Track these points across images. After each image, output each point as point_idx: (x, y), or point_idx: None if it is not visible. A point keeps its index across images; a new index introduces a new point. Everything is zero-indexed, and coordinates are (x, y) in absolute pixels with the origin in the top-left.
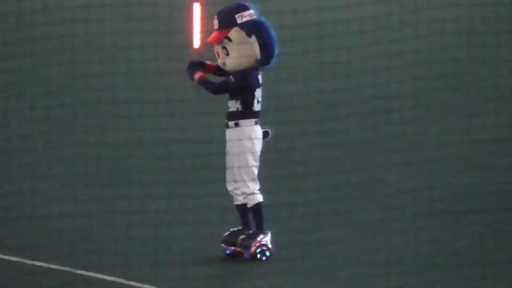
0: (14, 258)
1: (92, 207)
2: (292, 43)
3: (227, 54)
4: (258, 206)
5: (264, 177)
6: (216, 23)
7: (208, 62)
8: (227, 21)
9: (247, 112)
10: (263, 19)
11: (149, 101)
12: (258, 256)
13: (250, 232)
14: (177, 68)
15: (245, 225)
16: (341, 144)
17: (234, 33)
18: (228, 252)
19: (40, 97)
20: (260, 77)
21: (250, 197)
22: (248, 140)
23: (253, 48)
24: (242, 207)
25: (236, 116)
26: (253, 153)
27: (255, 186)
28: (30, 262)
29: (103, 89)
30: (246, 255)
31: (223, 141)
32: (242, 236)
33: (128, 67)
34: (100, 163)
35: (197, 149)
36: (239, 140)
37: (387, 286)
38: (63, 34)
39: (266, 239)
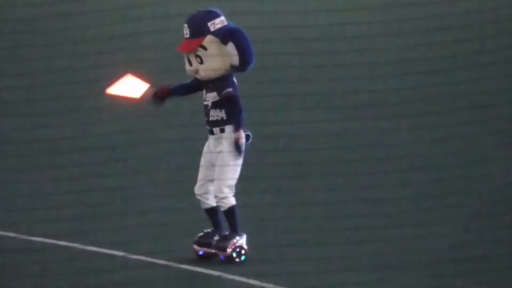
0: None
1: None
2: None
3: (201, 63)
4: (232, 209)
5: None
6: (187, 31)
7: (164, 89)
8: (199, 29)
9: (231, 119)
10: (235, 25)
11: None
12: (235, 257)
13: (226, 233)
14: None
15: (217, 227)
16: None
17: (208, 41)
18: (200, 253)
19: None
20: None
21: (224, 200)
22: (234, 147)
23: (229, 55)
24: (212, 210)
25: (221, 123)
26: (240, 159)
27: (229, 191)
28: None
29: None
30: (222, 256)
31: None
32: (217, 238)
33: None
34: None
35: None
36: (226, 147)
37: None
38: None
39: (241, 241)
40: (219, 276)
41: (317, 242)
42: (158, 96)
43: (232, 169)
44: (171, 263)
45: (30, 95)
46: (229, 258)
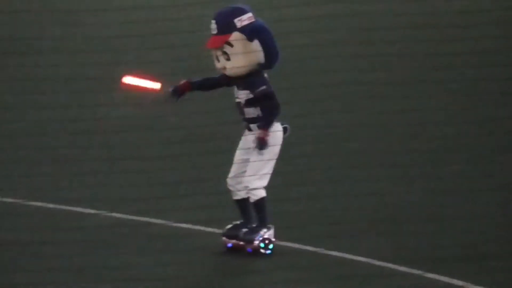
0: None
1: None
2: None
3: (228, 59)
4: (261, 201)
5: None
6: (214, 27)
7: (184, 84)
8: (226, 25)
9: (270, 116)
10: (262, 22)
11: None
12: (262, 250)
13: (253, 226)
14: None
15: (247, 219)
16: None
17: (235, 37)
18: (229, 245)
19: None
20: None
21: (253, 192)
22: (276, 144)
23: (256, 52)
24: (242, 202)
25: (259, 120)
26: (275, 153)
27: (259, 183)
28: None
29: None
30: (249, 249)
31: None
32: (245, 230)
33: None
34: None
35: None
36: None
37: None
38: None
39: (269, 233)
40: (366, 262)
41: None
42: (178, 91)
43: (265, 163)
44: (318, 249)
45: None
46: (256, 250)
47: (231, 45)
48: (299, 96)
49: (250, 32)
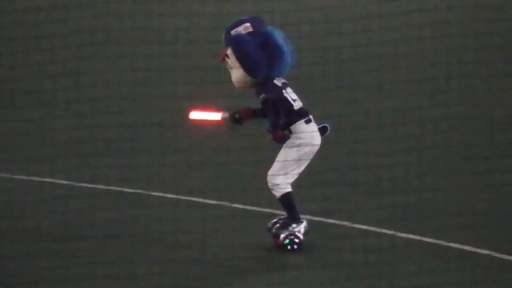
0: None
1: None
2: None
3: (230, 74)
4: (285, 196)
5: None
6: (223, 40)
7: (246, 110)
8: (226, 38)
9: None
10: (269, 30)
11: None
12: (288, 246)
13: (285, 221)
14: None
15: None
16: None
17: (229, 51)
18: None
19: None
20: (278, 81)
21: (276, 188)
22: (295, 139)
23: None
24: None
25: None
26: (296, 149)
27: (283, 180)
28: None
29: None
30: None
31: None
32: (277, 225)
33: None
34: None
35: None
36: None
37: None
38: None
39: (298, 228)
40: (488, 255)
41: None
42: (240, 117)
43: (293, 162)
44: (439, 241)
45: None
46: (281, 246)
47: (229, 58)
48: (425, 88)
49: (229, 44)
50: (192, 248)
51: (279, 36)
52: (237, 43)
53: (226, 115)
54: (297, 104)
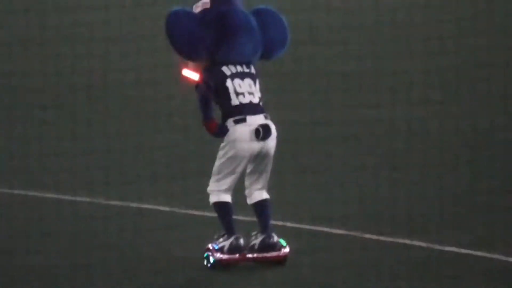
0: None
1: None
2: None
3: None
4: (215, 205)
5: None
6: None
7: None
8: None
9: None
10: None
11: None
12: (204, 261)
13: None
14: None
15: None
16: None
17: None
18: None
19: None
20: (226, 69)
21: (209, 196)
22: (223, 141)
23: None
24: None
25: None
26: (222, 153)
27: (215, 187)
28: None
29: None
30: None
31: None
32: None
33: None
34: None
35: None
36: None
37: None
38: None
39: (223, 244)
40: None
41: None
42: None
43: (218, 166)
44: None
45: None
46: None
47: None
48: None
49: None
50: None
51: (241, 15)
52: (166, 19)
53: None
54: (240, 100)
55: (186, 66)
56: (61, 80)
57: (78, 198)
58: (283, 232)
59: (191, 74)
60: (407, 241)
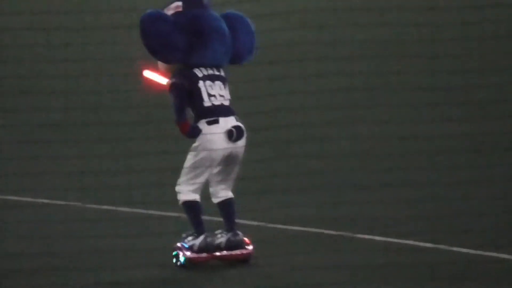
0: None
1: None
2: None
3: None
4: (184, 204)
5: None
6: None
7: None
8: None
9: (196, 112)
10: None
11: None
12: (174, 259)
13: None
14: None
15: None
16: None
17: None
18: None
19: None
20: (198, 71)
21: (178, 194)
22: (195, 142)
23: None
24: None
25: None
26: (194, 154)
27: (184, 187)
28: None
29: None
30: None
31: None
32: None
33: None
34: None
35: None
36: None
37: None
38: None
39: (192, 243)
40: None
41: None
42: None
43: (190, 169)
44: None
45: None
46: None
47: None
48: None
49: None
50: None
51: (213, 19)
52: (140, 22)
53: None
54: (213, 102)
55: (149, 68)
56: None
57: (165, 213)
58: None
59: (154, 76)
60: None
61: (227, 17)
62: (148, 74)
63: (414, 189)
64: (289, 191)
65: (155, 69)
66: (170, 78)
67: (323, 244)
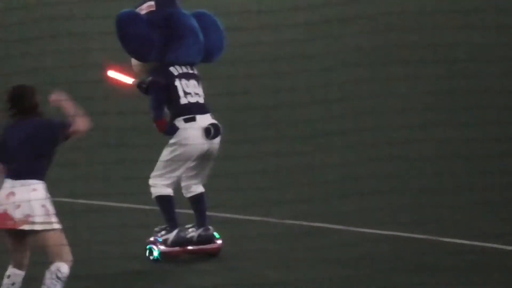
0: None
1: None
2: None
3: None
4: (158, 199)
5: None
6: None
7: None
8: None
9: (172, 110)
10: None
11: None
12: (147, 253)
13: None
14: None
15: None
16: None
17: None
18: None
19: None
20: (173, 69)
21: (151, 188)
22: (171, 138)
23: None
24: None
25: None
26: (170, 149)
27: (159, 181)
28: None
29: None
30: None
31: None
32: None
33: None
34: None
35: None
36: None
37: None
38: None
39: (166, 237)
40: None
41: None
42: (146, 88)
43: (165, 162)
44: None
45: None
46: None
47: None
48: None
49: None
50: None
51: (186, 17)
52: (117, 22)
53: (136, 82)
54: (189, 99)
55: (113, 68)
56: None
57: (252, 217)
58: None
59: (118, 76)
60: None
61: (197, 16)
62: (112, 74)
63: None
64: (372, 194)
65: (118, 69)
66: (135, 78)
67: (407, 248)
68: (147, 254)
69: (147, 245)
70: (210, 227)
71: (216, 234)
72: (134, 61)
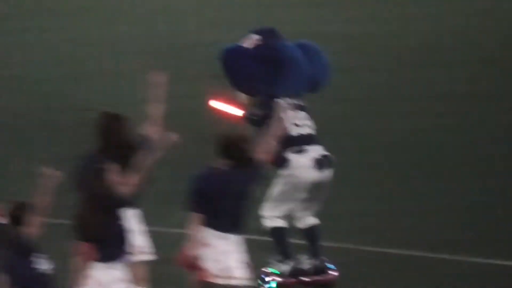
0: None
1: None
2: None
3: None
4: (271, 231)
5: None
6: None
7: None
8: None
9: (282, 142)
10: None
11: None
12: (259, 282)
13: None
14: None
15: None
16: None
17: None
18: None
19: None
20: (282, 101)
21: (263, 219)
22: (286, 169)
23: None
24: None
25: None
26: (282, 182)
27: (269, 212)
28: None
29: None
30: None
31: None
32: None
33: None
34: None
35: None
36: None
37: None
38: None
39: (277, 266)
40: None
41: None
42: (258, 120)
43: (271, 194)
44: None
45: None
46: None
47: None
48: None
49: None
50: None
51: (290, 49)
52: (222, 57)
53: (246, 114)
54: (299, 131)
55: (216, 98)
56: None
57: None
58: None
59: (223, 107)
60: None
61: (300, 46)
62: (215, 104)
63: None
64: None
65: (222, 99)
66: (247, 109)
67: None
68: (259, 283)
69: (260, 275)
70: (324, 258)
71: (330, 265)
72: (242, 96)
